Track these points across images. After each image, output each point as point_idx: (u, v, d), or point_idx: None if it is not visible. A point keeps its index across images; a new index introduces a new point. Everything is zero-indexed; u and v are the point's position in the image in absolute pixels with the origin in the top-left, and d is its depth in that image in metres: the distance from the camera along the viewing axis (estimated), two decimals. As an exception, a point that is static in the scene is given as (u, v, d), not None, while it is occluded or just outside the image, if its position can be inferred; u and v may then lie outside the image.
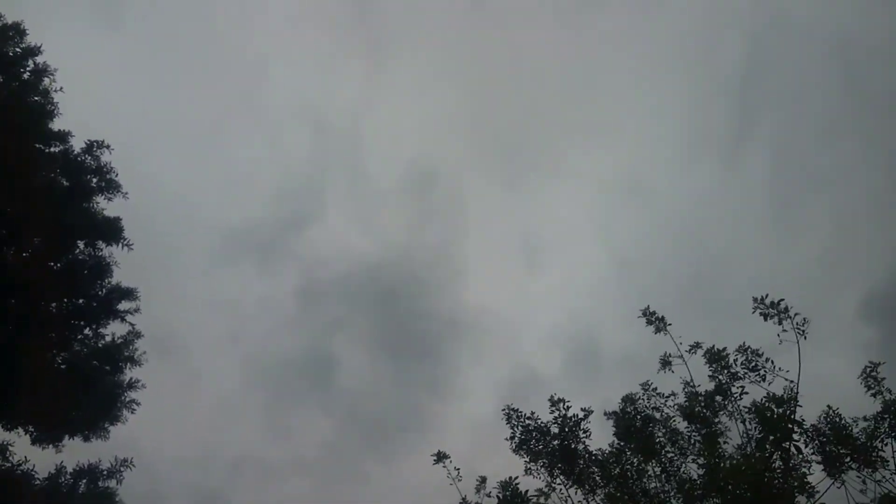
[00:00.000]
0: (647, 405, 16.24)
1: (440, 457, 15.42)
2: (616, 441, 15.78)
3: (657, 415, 16.04)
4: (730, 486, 13.41)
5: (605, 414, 16.39)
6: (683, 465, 15.22)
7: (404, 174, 49.97)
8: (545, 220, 46.24)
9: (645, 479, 15.56)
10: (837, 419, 13.87)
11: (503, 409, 16.26)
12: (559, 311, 40.72)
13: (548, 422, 16.14)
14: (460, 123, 49.47)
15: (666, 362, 15.99)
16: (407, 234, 45.80)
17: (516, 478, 14.27)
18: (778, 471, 13.25)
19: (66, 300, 15.54)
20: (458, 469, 15.44)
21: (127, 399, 16.82)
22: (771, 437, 12.66)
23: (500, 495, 14.08)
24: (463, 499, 15.18)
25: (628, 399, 16.21)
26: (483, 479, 15.23)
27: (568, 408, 16.15)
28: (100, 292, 16.52)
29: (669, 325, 15.90)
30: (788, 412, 12.92)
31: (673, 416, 15.87)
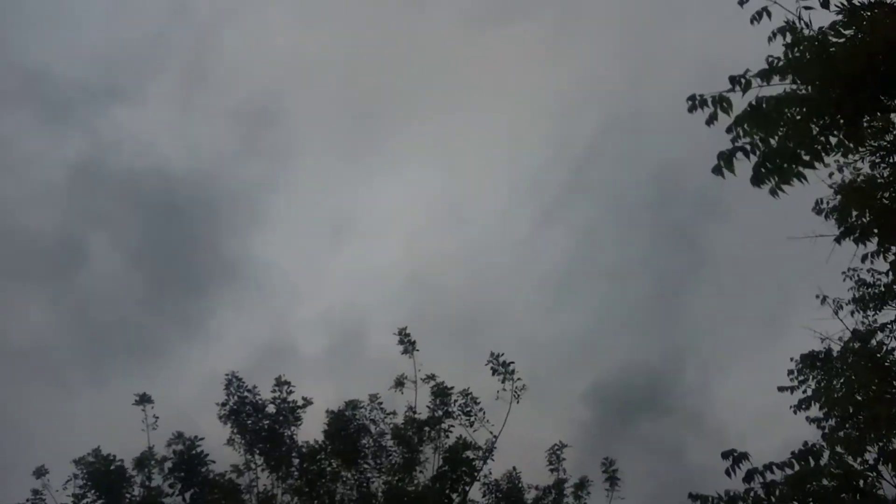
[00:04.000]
0: (368, 416, 16.65)
1: (143, 399, 14.71)
2: (324, 439, 15.99)
3: (373, 427, 16.49)
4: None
5: (326, 411, 16.56)
6: (376, 480, 15.79)
7: (250, 97, 44.83)
8: (367, 201, 44.50)
9: (338, 484, 15.96)
10: (517, 481, 15.28)
11: (226, 375, 15.90)
12: (342, 294, 39.53)
13: (266, 400, 16.03)
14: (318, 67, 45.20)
15: (400, 383, 16.55)
16: (224, 160, 41.36)
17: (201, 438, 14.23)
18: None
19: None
20: (157, 417, 14.84)
21: None
22: (452, 476, 13.59)
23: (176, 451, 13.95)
24: (150, 448, 14.59)
25: (352, 404, 16.50)
26: (179, 435, 14.76)
27: (290, 391, 16.18)
28: None
29: (417, 350, 16.60)
30: (473, 459, 14.01)
31: (386, 433, 16.42)
